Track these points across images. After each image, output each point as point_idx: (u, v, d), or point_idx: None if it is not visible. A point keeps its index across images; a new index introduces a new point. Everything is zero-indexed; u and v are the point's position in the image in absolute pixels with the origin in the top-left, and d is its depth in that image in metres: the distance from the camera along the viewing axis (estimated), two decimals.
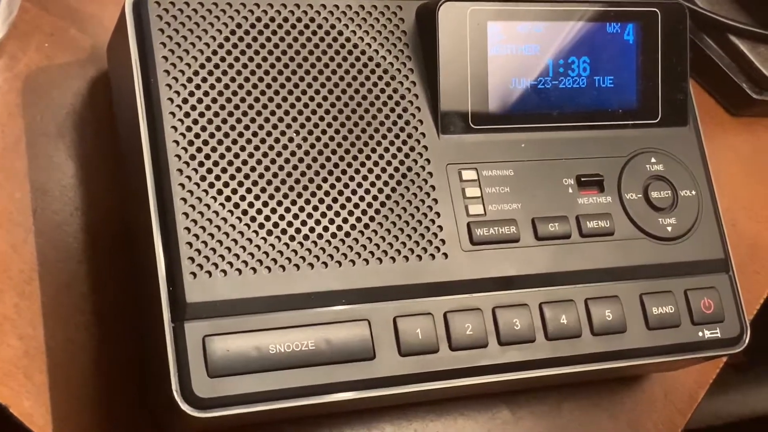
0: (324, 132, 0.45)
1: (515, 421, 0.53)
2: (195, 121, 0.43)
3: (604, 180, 0.49)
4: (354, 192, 0.44)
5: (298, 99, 0.45)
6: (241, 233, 0.42)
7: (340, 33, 0.46)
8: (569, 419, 0.54)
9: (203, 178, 0.42)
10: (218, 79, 0.44)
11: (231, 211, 0.42)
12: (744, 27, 0.62)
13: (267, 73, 0.44)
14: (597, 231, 0.48)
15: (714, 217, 0.51)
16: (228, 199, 0.42)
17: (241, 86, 0.44)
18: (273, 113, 0.44)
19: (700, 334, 0.49)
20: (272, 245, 0.43)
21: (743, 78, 0.63)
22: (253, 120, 0.44)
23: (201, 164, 0.42)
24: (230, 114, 0.43)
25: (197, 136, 0.43)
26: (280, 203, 0.43)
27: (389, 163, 0.45)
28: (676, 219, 0.50)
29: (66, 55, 0.50)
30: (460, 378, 0.44)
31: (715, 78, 0.63)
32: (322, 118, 0.45)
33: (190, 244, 0.41)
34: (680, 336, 0.48)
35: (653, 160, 0.51)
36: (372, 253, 0.44)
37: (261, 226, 0.43)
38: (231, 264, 0.42)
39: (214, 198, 0.42)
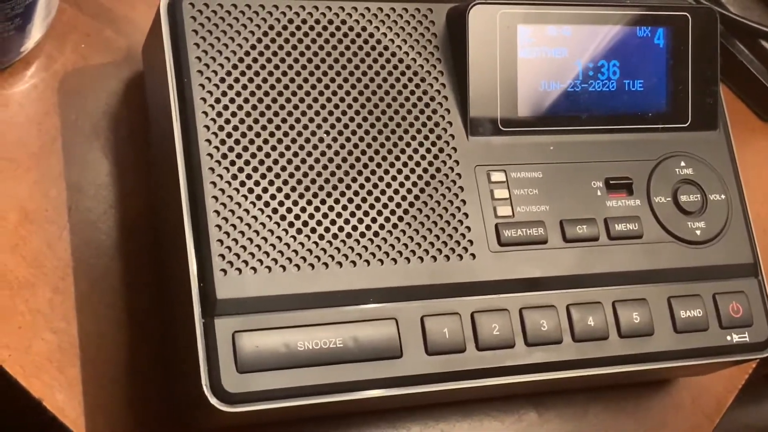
0: (354, 132, 0.45)
1: (541, 423, 0.53)
2: (227, 121, 0.43)
3: (633, 183, 0.49)
4: (383, 192, 0.45)
5: (329, 100, 0.45)
6: (271, 231, 0.43)
7: (371, 35, 0.47)
8: (595, 422, 0.54)
9: (234, 177, 0.43)
10: (250, 80, 0.44)
11: (261, 210, 0.43)
12: None
13: (298, 74, 0.45)
14: (625, 234, 0.48)
15: (744, 221, 0.51)
16: (258, 197, 0.43)
17: (272, 87, 0.44)
18: (304, 114, 0.45)
19: (728, 338, 0.49)
20: (301, 243, 0.43)
21: None
22: (284, 120, 0.44)
23: (232, 163, 0.43)
24: (262, 114, 0.44)
25: (229, 135, 0.43)
26: (309, 202, 0.44)
27: (418, 163, 0.46)
28: (705, 223, 0.50)
29: (102, 56, 0.51)
30: (486, 378, 0.45)
31: (746, 84, 0.63)
32: (352, 119, 0.45)
33: (221, 241, 0.42)
34: (708, 340, 0.48)
35: (683, 163, 0.50)
36: (400, 252, 0.44)
37: (291, 224, 0.43)
38: (261, 261, 0.42)
39: (245, 197, 0.43)
